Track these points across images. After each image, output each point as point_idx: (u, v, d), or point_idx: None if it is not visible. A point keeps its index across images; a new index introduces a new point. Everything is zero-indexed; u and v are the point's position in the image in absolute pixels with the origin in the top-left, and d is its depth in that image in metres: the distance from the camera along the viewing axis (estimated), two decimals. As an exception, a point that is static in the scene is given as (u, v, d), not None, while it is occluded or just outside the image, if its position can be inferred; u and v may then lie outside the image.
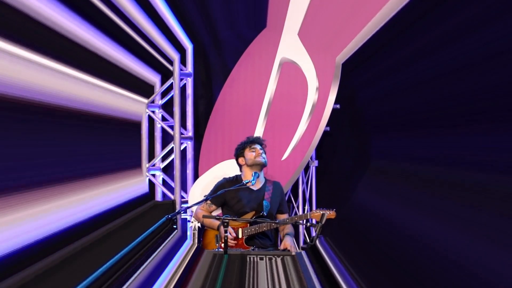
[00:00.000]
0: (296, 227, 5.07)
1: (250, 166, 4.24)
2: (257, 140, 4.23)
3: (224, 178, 4.33)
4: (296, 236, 5.47)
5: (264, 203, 4.14)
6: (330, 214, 3.85)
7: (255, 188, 4.22)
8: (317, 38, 4.96)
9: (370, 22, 4.36)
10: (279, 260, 3.55)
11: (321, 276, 3.40)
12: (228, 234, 3.54)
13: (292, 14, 5.15)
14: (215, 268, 3.42)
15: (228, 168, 5.08)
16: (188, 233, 5.37)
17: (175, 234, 4.46)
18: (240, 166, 4.39)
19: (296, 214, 5.55)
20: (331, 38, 4.83)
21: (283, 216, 4.25)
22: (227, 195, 4.14)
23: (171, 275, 3.35)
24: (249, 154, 4.20)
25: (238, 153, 4.26)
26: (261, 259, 3.55)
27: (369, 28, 4.41)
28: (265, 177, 4.32)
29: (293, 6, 5.12)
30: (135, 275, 3.06)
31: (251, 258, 3.55)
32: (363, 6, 4.50)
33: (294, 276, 3.31)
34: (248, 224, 4.02)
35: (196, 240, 4.53)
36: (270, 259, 3.55)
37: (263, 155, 4.19)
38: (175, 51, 5.40)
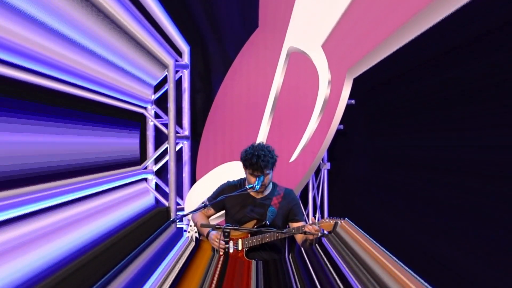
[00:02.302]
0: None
1: None
2: (260, 169, 3.74)
3: (228, 181, 4.13)
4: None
5: (270, 209, 3.93)
6: (342, 224, 3.69)
7: (261, 194, 3.99)
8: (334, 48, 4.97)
9: (387, 39, 4.33)
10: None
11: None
12: (228, 245, 3.53)
13: (298, 15, 5.11)
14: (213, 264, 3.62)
15: (229, 171, 4.99)
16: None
17: (171, 230, 4.59)
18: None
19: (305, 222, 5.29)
20: (346, 52, 4.83)
21: (298, 225, 4.02)
22: (227, 202, 3.94)
23: (168, 271, 3.46)
24: (248, 176, 3.92)
25: (242, 163, 3.96)
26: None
27: (386, 46, 4.38)
28: (274, 183, 4.07)
29: (298, 6, 5.10)
30: (132, 270, 3.28)
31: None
32: (381, 22, 4.51)
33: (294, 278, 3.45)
34: (249, 235, 3.84)
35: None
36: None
37: (259, 185, 3.84)
38: (171, 56, 5.32)
